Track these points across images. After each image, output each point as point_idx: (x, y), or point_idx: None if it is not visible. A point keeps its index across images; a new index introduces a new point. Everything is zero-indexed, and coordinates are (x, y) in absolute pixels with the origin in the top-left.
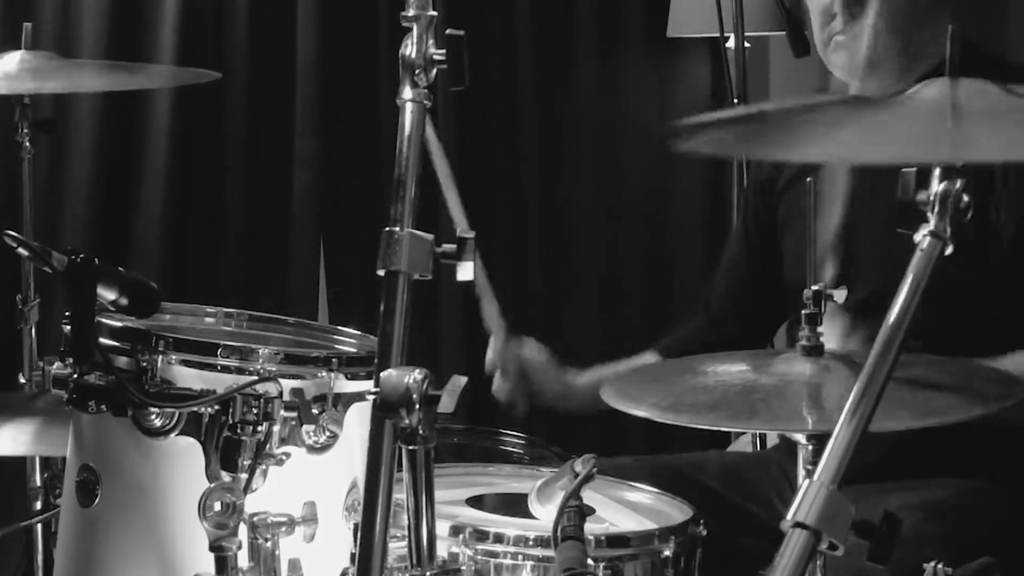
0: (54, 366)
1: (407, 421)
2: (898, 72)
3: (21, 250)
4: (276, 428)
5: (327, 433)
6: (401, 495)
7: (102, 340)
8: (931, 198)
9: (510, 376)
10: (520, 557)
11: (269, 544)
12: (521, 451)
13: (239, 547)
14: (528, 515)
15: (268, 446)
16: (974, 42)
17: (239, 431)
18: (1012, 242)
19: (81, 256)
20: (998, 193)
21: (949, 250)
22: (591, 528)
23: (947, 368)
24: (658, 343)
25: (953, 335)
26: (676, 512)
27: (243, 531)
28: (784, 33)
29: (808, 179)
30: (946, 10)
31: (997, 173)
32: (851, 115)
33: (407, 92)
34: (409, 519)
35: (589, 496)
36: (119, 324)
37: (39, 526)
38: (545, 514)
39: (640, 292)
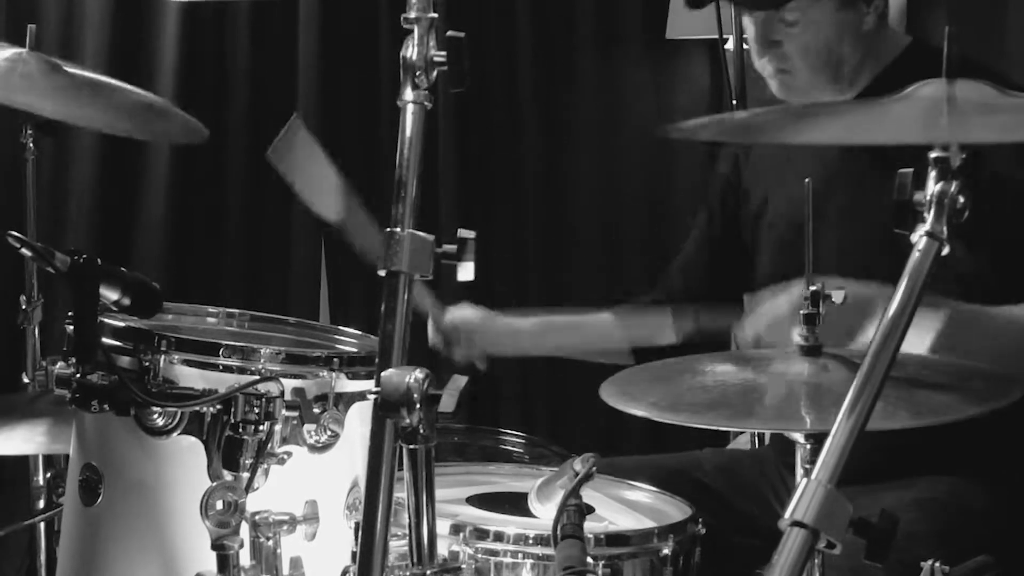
0: (57, 366)
1: (408, 420)
2: (838, 92)
3: (24, 251)
4: (278, 427)
5: (328, 432)
6: (402, 494)
7: (105, 340)
8: (927, 198)
9: (458, 342)
10: (520, 555)
11: (271, 542)
12: (521, 450)
13: (241, 545)
14: (528, 514)
15: (270, 445)
16: (971, 57)
17: (241, 430)
18: (992, 256)
19: (84, 257)
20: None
21: (946, 250)
22: (590, 526)
23: (944, 368)
24: (616, 307)
25: None
26: (675, 511)
27: (245, 530)
28: None
29: (806, 180)
30: (919, 15)
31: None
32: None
33: (408, 94)
34: (410, 518)
35: (588, 495)
36: (122, 324)
37: (42, 525)
38: (545, 513)
39: (640, 289)
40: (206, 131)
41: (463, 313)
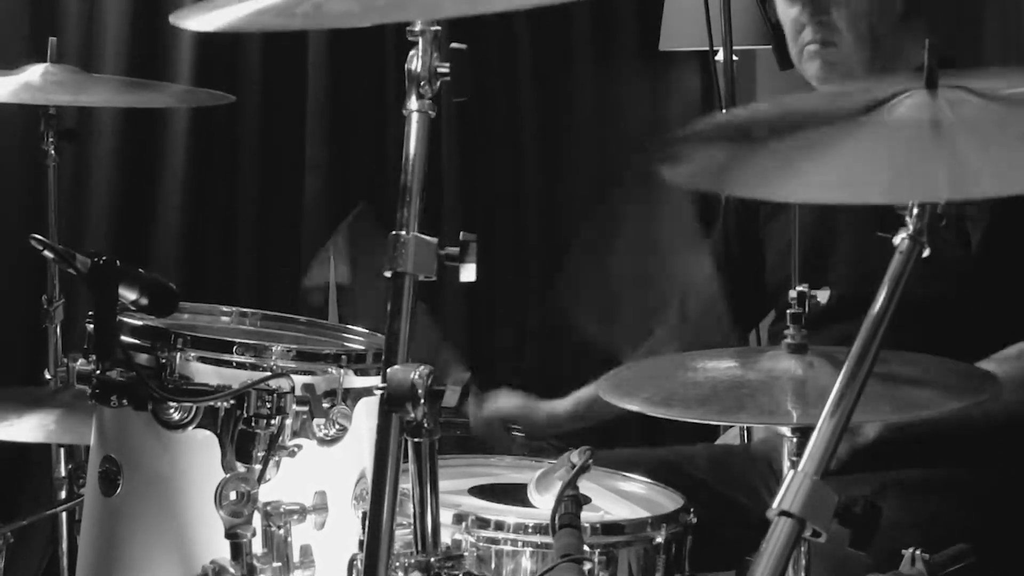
0: (78, 363)
1: (413, 415)
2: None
3: (47, 253)
4: (288, 421)
5: (337, 426)
6: (407, 485)
7: (124, 338)
8: (909, 203)
9: (500, 435)
10: (520, 544)
11: (282, 531)
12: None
13: (253, 534)
14: (527, 504)
15: (281, 438)
16: (951, 58)
17: (253, 424)
18: (980, 246)
19: (103, 258)
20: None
21: (926, 252)
22: (587, 516)
23: (925, 365)
24: (633, 353)
25: (927, 344)
26: (668, 501)
27: (257, 519)
28: (770, 47)
29: None
30: (915, 23)
31: None
32: (830, 143)
33: (413, 103)
34: (415, 507)
35: (585, 486)
36: (140, 323)
37: (64, 515)
38: (543, 503)
39: (634, 290)
40: (231, 97)
41: (501, 403)
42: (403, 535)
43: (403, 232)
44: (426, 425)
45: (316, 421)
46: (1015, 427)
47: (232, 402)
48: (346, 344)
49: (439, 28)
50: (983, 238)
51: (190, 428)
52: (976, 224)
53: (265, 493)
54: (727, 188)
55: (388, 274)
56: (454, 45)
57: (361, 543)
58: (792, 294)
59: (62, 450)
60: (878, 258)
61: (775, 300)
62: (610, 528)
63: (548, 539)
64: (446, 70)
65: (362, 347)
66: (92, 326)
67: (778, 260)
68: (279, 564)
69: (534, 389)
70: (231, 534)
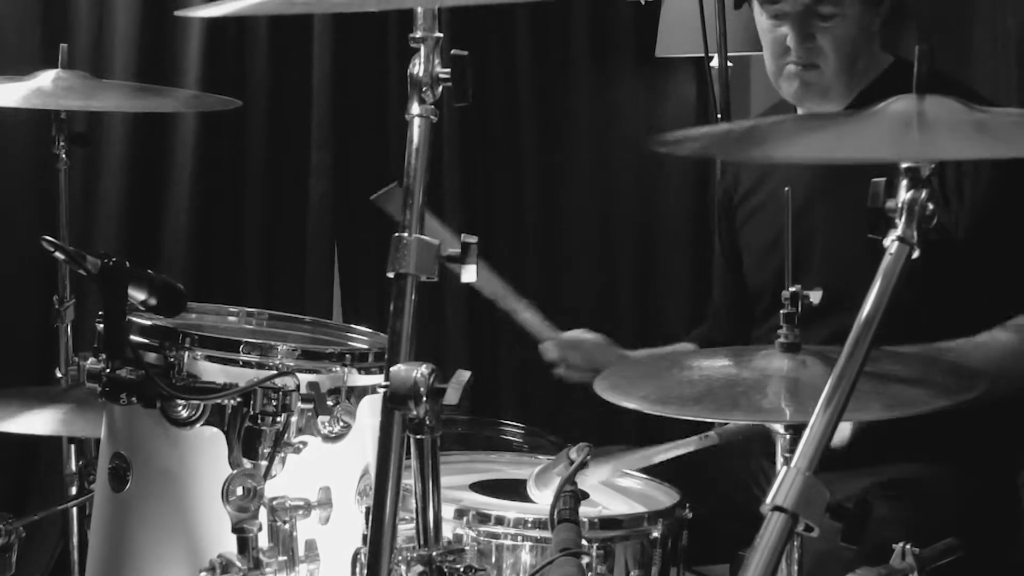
0: (88, 361)
1: (415, 412)
2: (843, 96)
3: (58, 254)
4: (294, 419)
5: (341, 423)
6: (409, 481)
7: (133, 337)
8: (899, 206)
9: (577, 363)
10: (519, 538)
11: (287, 526)
12: (520, 440)
13: (259, 529)
14: (527, 499)
15: (286, 435)
16: (939, 70)
17: (259, 421)
18: (964, 239)
19: (113, 259)
20: (949, 190)
21: (916, 254)
22: (585, 511)
23: (914, 363)
24: (690, 335)
25: (908, 331)
26: (664, 497)
27: (263, 514)
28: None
29: (786, 189)
30: (886, 31)
31: (948, 170)
32: (823, 124)
33: (415, 108)
34: (417, 503)
35: (583, 482)
36: (148, 322)
37: (74, 510)
38: (543, 498)
39: (631, 290)
40: (237, 102)
41: (580, 334)
42: (406, 530)
43: (406, 234)
44: (428, 422)
45: (321, 418)
46: (1003, 418)
47: (239, 400)
48: (350, 343)
49: (441, 35)
50: (968, 225)
51: (198, 425)
52: (959, 217)
53: (271, 489)
54: (728, 155)
55: (391, 275)
56: (455, 51)
57: (365, 537)
58: (785, 294)
59: (72, 446)
60: (855, 255)
61: (757, 302)
62: (608, 523)
63: (547, 533)
64: (447, 76)
65: (366, 346)
66: (102, 326)
67: (756, 262)
68: (284, 558)
69: (535, 384)
70: (238, 529)
